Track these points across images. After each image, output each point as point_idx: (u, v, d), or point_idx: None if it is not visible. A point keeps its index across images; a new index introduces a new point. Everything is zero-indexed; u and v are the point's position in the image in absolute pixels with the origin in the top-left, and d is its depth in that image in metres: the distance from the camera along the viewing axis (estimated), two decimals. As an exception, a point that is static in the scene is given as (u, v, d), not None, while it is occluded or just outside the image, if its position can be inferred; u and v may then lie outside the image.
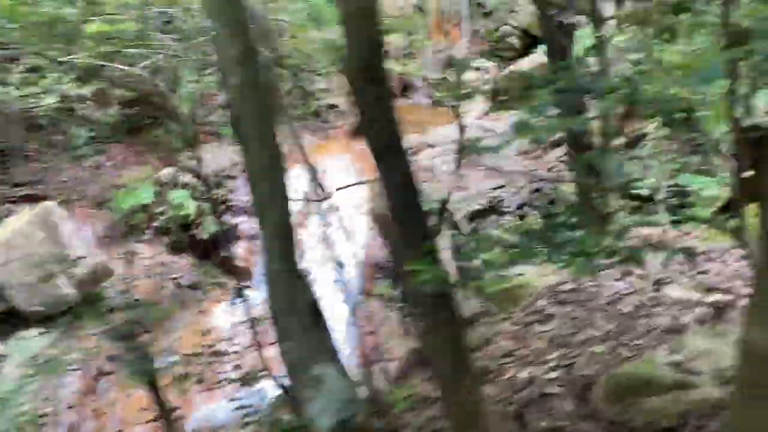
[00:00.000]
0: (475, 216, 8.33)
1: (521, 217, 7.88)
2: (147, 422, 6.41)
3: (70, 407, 7.93)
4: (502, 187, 8.89)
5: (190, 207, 10.43)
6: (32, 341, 8.03)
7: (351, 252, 9.47)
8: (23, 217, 9.15)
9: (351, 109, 13.72)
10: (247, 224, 10.60)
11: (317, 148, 12.09)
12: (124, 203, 11.18)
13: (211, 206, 10.53)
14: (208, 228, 10.41)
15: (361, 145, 11.51)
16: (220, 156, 11.29)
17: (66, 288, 8.53)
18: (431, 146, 11.26)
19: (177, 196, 10.56)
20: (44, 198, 12.30)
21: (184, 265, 10.63)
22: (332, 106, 14.41)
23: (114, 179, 12.55)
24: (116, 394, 7.58)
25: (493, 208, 8.32)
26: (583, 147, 5.73)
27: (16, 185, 12.16)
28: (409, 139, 10.84)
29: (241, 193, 10.82)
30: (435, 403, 4.49)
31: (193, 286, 10.27)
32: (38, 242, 8.61)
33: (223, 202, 10.64)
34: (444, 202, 3.50)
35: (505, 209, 8.25)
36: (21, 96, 12.51)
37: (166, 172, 11.41)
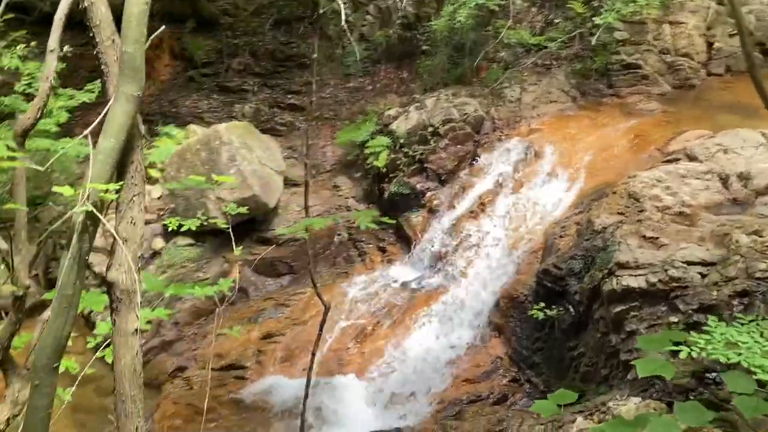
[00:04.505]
0: (625, 297, 6.41)
1: (692, 326, 5.76)
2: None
3: (176, 323, 8.83)
4: (710, 264, 6.58)
5: (382, 158, 10.12)
6: (180, 250, 8.99)
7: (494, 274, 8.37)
8: (196, 133, 9.98)
9: (661, 77, 10.94)
10: (435, 193, 9.92)
11: (564, 122, 10.38)
12: (344, 137, 11.40)
13: (406, 163, 10.09)
14: (395, 185, 10.05)
15: (626, 140, 9.55)
16: (441, 106, 10.49)
17: (213, 211, 9.19)
18: (691, 158, 8.47)
19: (375, 143, 10.33)
20: (302, 109, 13.36)
21: (374, 214, 10.58)
22: (629, 67, 11.39)
23: (365, 104, 12.83)
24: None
25: (667, 295, 6.26)
26: None
27: (290, 92, 13.38)
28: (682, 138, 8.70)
29: (442, 155, 10.06)
30: None
31: (360, 242, 10.22)
32: (201, 161, 9.33)
33: (419, 162, 10.04)
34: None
35: (684, 304, 6.14)
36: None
37: (393, 111, 11.18)
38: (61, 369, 3.67)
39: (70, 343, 3.38)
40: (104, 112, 2.33)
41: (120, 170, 2.51)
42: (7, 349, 2.97)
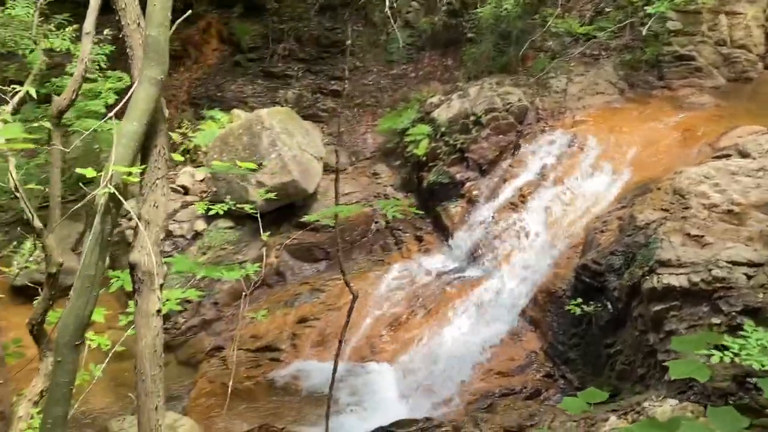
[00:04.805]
0: (666, 296, 6.24)
1: (735, 329, 5.58)
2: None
3: (216, 303, 8.97)
4: (757, 266, 6.35)
5: (422, 147, 10.05)
6: (220, 232, 9.12)
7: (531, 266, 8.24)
8: (240, 118, 10.05)
9: (715, 70, 10.44)
10: (475, 183, 9.81)
11: (610, 115, 10.09)
12: (384, 124, 11.36)
13: (446, 152, 9.99)
14: (435, 174, 9.98)
15: (674, 134, 9.29)
16: (484, 95, 10.30)
17: (254, 195, 9.26)
18: (743, 155, 8.22)
19: (416, 131, 10.26)
20: (335, 94, 13.35)
21: (402, 204, 10.52)
22: (682, 58, 10.89)
23: (407, 91, 12.76)
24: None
25: (709, 295, 6.07)
26: None
27: (333, 78, 13.37)
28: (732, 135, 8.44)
29: (483, 145, 9.93)
30: None
31: (397, 230, 10.19)
32: (242, 146, 9.40)
33: (460, 151, 9.94)
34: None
35: (728, 306, 5.94)
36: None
37: (436, 99, 11.09)
38: (93, 345, 3.79)
39: (102, 320, 3.48)
40: (128, 95, 2.37)
41: (144, 153, 2.55)
42: (41, 324, 3.07)
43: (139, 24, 2.51)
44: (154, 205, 2.46)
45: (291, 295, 9.72)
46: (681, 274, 6.46)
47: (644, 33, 9.88)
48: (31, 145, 2.55)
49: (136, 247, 2.40)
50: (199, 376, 8.76)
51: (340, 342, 4.43)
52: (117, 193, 2.19)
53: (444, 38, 13.02)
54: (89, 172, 2.32)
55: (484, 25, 11.48)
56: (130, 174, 2.26)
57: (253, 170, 9.27)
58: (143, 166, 2.47)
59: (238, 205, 5.28)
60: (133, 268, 2.44)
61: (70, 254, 9.46)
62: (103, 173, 2.22)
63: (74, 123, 9.14)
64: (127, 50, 2.48)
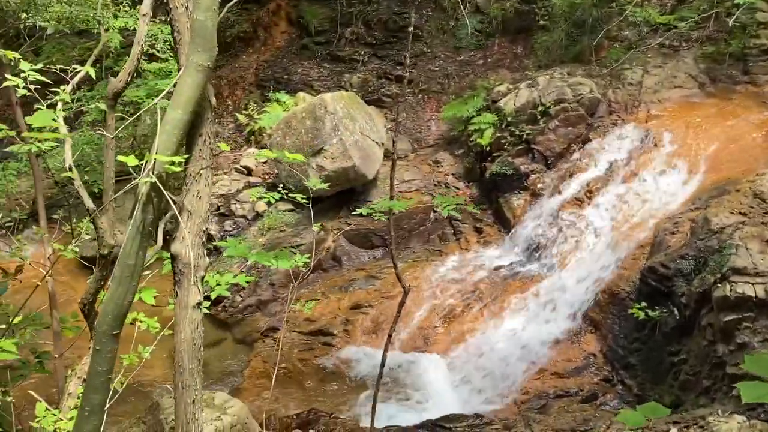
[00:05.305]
0: (739, 306, 5.89)
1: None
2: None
3: (272, 284, 9.03)
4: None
5: (487, 136, 9.78)
6: (280, 215, 9.15)
7: (596, 265, 7.92)
8: (305, 101, 10.00)
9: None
10: (540, 176, 9.51)
11: (688, 110, 9.57)
12: (449, 111, 11.16)
13: (512, 142, 9.70)
14: (498, 165, 9.72)
15: (758, 133, 8.83)
16: (554, 85, 9.93)
17: (312, 179, 9.22)
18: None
19: (481, 120, 9.99)
20: (400, 80, 13.17)
21: (464, 193, 10.32)
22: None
23: (474, 79, 12.49)
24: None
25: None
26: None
27: (399, 64, 13.19)
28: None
29: (550, 137, 9.60)
30: None
31: (457, 221, 9.99)
32: (305, 129, 9.36)
33: (526, 142, 9.63)
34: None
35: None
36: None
37: (503, 88, 10.79)
38: (143, 327, 3.83)
39: (152, 302, 3.50)
40: (173, 81, 2.30)
41: (188, 142, 2.48)
42: (92, 304, 3.11)
43: (187, 7, 2.43)
44: (197, 196, 2.40)
45: (346, 280, 9.70)
46: (758, 283, 6.05)
47: (731, 24, 9.28)
48: (58, 135, 2.55)
49: (178, 238, 2.36)
50: (253, 355, 8.87)
51: (389, 336, 4.34)
52: (158, 182, 2.14)
53: (515, 25, 12.63)
54: (131, 160, 2.28)
55: (558, 13, 11.06)
56: (173, 163, 2.20)
57: (301, 162, 9.26)
58: (187, 156, 2.42)
59: (291, 195, 5.23)
60: (174, 259, 2.40)
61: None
62: (145, 161, 2.18)
63: (144, 102, 9.35)
64: (174, 34, 2.40)
